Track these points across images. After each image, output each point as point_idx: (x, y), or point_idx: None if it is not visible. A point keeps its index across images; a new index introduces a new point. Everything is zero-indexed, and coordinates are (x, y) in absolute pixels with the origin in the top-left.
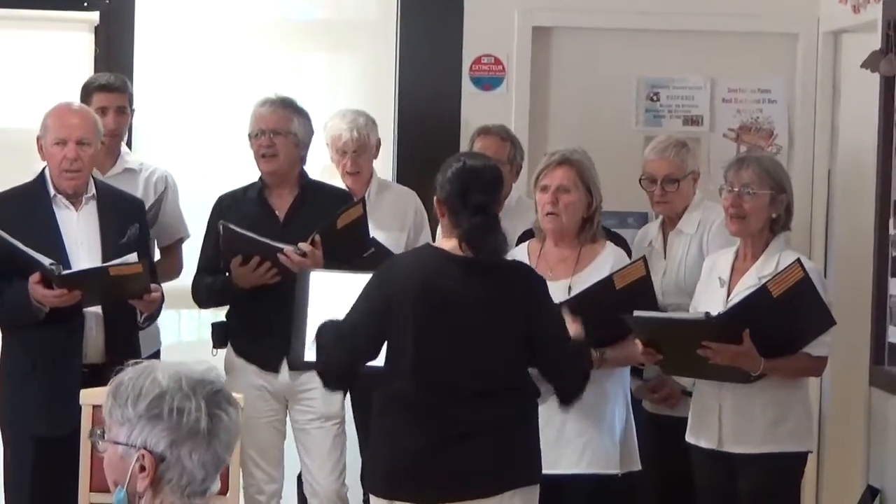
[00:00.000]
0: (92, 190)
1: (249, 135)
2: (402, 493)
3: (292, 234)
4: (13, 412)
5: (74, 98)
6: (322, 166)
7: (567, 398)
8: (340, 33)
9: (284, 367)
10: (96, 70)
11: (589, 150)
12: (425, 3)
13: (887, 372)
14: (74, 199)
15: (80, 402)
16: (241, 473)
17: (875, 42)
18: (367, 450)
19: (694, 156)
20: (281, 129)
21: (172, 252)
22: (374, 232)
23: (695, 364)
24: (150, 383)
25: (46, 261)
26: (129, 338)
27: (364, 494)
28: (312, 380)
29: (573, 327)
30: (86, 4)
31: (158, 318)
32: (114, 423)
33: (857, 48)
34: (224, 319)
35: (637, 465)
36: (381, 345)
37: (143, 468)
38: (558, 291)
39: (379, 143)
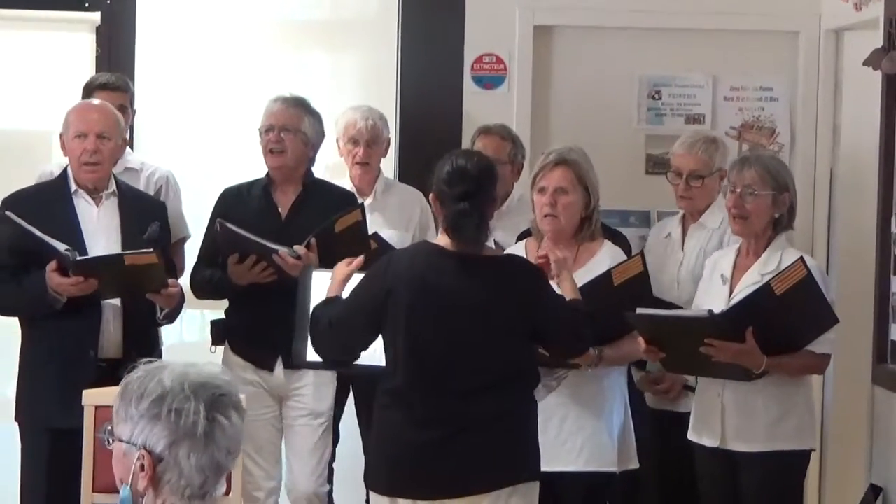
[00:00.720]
0: (113, 187)
1: (259, 130)
2: (402, 490)
3: (293, 231)
4: (29, 403)
5: (76, 98)
6: (325, 165)
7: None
8: (342, 33)
9: (279, 365)
10: (98, 70)
11: (590, 148)
12: (426, 2)
13: (890, 370)
14: (95, 194)
15: (83, 402)
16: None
17: (877, 40)
18: (368, 447)
19: (723, 154)
20: (290, 126)
21: (174, 252)
22: (380, 230)
23: (697, 362)
24: (154, 383)
25: (62, 246)
26: (147, 333)
27: (366, 494)
28: (306, 377)
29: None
30: (87, 5)
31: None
32: (119, 420)
33: (859, 46)
34: (223, 317)
35: (635, 464)
36: (373, 337)
37: (143, 467)
38: (555, 289)
39: (389, 142)
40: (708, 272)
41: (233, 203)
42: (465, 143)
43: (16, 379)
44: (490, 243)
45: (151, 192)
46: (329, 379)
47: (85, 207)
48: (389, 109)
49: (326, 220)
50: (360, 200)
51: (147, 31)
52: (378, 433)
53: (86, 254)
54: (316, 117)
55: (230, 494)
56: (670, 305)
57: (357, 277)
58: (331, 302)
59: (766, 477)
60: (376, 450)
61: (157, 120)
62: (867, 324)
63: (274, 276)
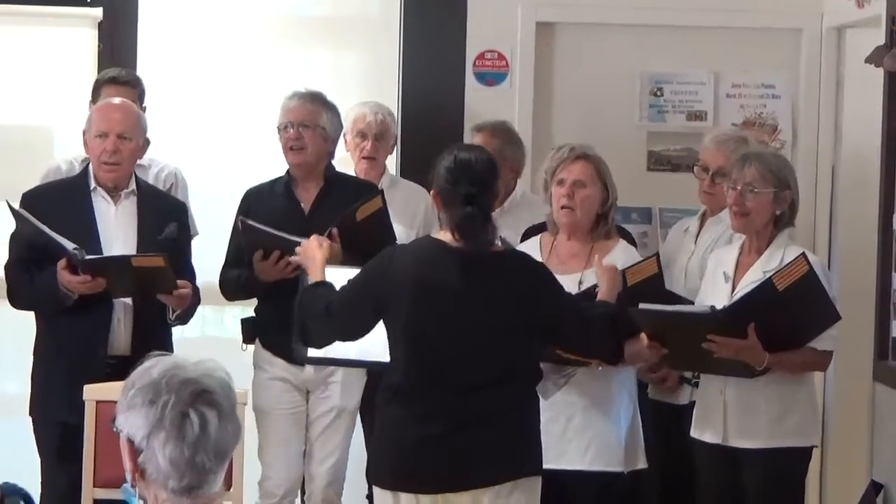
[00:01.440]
0: (132, 186)
1: (278, 127)
2: (405, 485)
3: (317, 225)
4: (41, 397)
5: (78, 94)
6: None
7: (611, 357)
8: (344, 29)
9: None
10: (100, 67)
11: (593, 145)
12: None
13: (891, 367)
14: (114, 193)
15: (84, 397)
16: (243, 469)
17: (879, 37)
18: (371, 442)
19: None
20: (309, 122)
21: None
22: None
23: (700, 358)
24: (144, 375)
25: (70, 245)
26: (157, 332)
27: (368, 489)
28: (336, 373)
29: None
30: (89, 1)
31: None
32: (117, 410)
33: (861, 43)
34: (253, 315)
35: (643, 464)
36: (367, 328)
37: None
38: (569, 285)
39: (396, 140)
40: (710, 269)
41: (255, 202)
42: (467, 140)
43: (19, 375)
44: (496, 240)
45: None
46: (358, 376)
47: (103, 206)
48: (391, 106)
49: (344, 212)
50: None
51: (149, 28)
52: (380, 428)
53: (100, 252)
54: (333, 111)
55: (231, 490)
56: (681, 299)
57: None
58: (321, 286)
59: (768, 474)
60: (379, 445)
61: (158, 116)
62: (868, 321)
63: (297, 272)
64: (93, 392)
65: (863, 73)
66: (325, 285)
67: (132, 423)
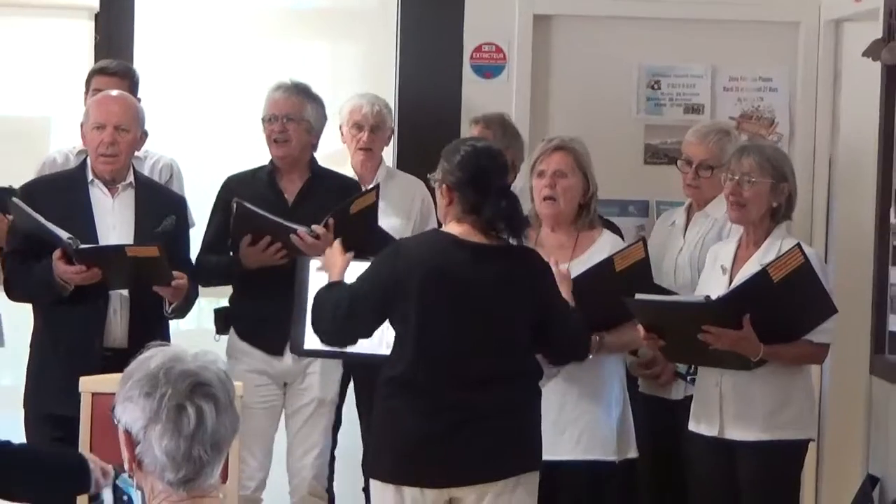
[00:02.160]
0: (130, 178)
1: (263, 119)
2: (408, 479)
3: (300, 218)
4: (35, 388)
5: (75, 85)
6: (325, 154)
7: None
8: (341, 21)
9: (287, 350)
10: (97, 58)
11: (589, 138)
12: None
13: (888, 361)
14: (111, 185)
15: (80, 388)
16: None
17: (876, 30)
18: (369, 435)
19: (735, 146)
20: (294, 115)
21: None
22: (381, 218)
23: (696, 350)
24: (142, 366)
25: (65, 235)
26: (153, 324)
27: (364, 481)
28: (314, 364)
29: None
30: None
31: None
32: (116, 401)
33: (859, 37)
34: (227, 305)
35: (634, 453)
36: (377, 325)
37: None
38: None
39: (392, 132)
40: (709, 263)
41: (238, 190)
42: (465, 133)
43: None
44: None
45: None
46: (335, 366)
47: (100, 198)
48: (388, 98)
49: (334, 205)
50: (363, 188)
51: (146, 19)
52: (382, 421)
53: (96, 244)
54: (318, 102)
55: (227, 482)
56: (668, 292)
57: (359, 265)
58: (334, 287)
59: (764, 466)
60: (380, 438)
61: (155, 108)
62: (865, 314)
63: (286, 259)
64: (89, 384)
65: (860, 67)
66: (339, 286)
67: (130, 414)
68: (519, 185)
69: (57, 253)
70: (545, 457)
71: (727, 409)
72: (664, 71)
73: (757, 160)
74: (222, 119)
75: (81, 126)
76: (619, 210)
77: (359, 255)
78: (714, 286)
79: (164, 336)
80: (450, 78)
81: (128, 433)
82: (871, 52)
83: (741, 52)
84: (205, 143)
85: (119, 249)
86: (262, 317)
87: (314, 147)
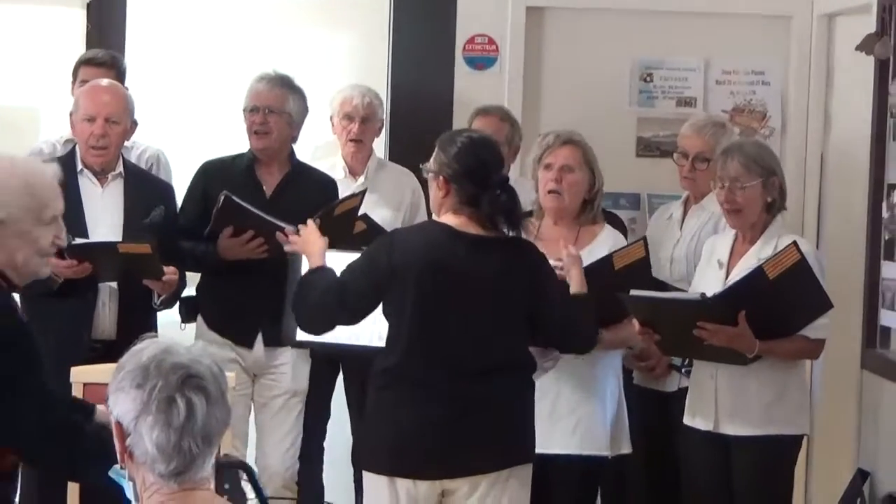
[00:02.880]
0: (120, 168)
1: (244, 109)
2: (404, 471)
3: (277, 211)
4: None
5: (67, 75)
6: (315, 145)
7: (586, 345)
8: (334, 12)
9: (259, 341)
10: (89, 47)
11: (581, 130)
12: None
13: (879, 355)
14: (101, 175)
15: (72, 379)
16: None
17: (870, 25)
18: (362, 427)
19: (731, 138)
20: (276, 107)
21: None
22: (372, 210)
23: (692, 345)
24: (134, 357)
25: None
26: (142, 316)
27: (355, 473)
28: (284, 355)
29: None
30: None
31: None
32: (108, 390)
33: (852, 31)
34: (193, 294)
35: (628, 448)
36: (368, 310)
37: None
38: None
39: (382, 124)
40: (705, 257)
41: (215, 177)
42: (457, 124)
43: None
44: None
45: None
46: (305, 359)
47: (89, 187)
48: (380, 89)
49: (312, 200)
50: (353, 181)
51: (138, 8)
52: (375, 413)
53: (86, 234)
54: (300, 94)
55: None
56: (667, 286)
57: (345, 256)
58: (318, 272)
59: (759, 461)
60: (374, 430)
61: (146, 97)
62: (856, 309)
63: (268, 254)
64: (80, 374)
65: (853, 61)
66: (324, 270)
67: (121, 406)
68: (513, 177)
69: None
70: (539, 450)
71: (722, 403)
72: (657, 64)
73: (742, 162)
74: (214, 109)
75: (71, 116)
76: (611, 203)
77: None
78: (710, 280)
79: (153, 327)
80: (442, 69)
81: (119, 424)
82: (865, 46)
83: (734, 46)
84: (197, 134)
85: (111, 246)
86: (232, 308)
87: (294, 139)
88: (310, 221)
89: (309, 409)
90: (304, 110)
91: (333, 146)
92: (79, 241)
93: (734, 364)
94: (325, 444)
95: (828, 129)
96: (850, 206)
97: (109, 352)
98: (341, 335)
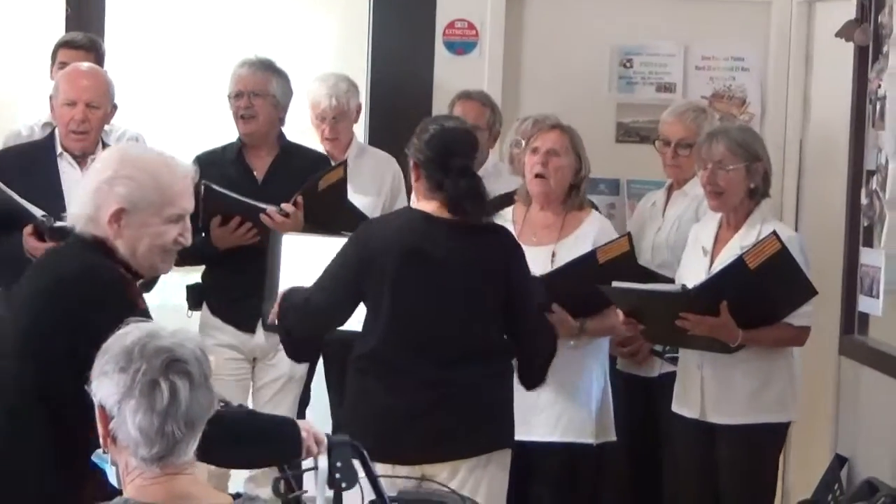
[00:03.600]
0: (99, 151)
1: (228, 95)
2: (382, 455)
3: (270, 194)
4: None
5: (45, 59)
6: (300, 130)
7: (532, 377)
8: None
9: (260, 327)
10: (67, 30)
11: (561, 116)
12: None
13: (857, 341)
14: (81, 158)
15: None
16: None
17: (850, 11)
18: (339, 411)
19: (712, 124)
20: (260, 90)
21: None
22: (352, 196)
23: (676, 334)
24: (118, 341)
25: (38, 212)
26: None
27: None
28: None
29: (554, 318)
30: None
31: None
32: (92, 374)
33: (832, 17)
34: (199, 281)
35: (612, 436)
36: (351, 311)
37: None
38: (542, 257)
39: (359, 109)
40: (690, 244)
41: (207, 169)
42: (437, 109)
43: None
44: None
45: None
46: None
47: (69, 171)
48: (360, 74)
49: (304, 180)
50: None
51: None
52: (354, 398)
53: (64, 217)
54: (283, 77)
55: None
56: (653, 274)
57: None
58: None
59: (744, 448)
60: (352, 415)
61: (126, 81)
62: (835, 295)
63: (258, 238)
64: None
65: (832, 47)
66: (293, 293)
67: (104, 390)
68: (492, 162)
69: (28, 229)
70: (523, 437)
71: (708, 391)
72: (636, 49)
73: (727, 145)
74: (193, 93)
75: (51, 99)
76: (590, 188)
77: (330, 232)
78: (695, 267)
79: None
80: (422, 54)
81: (102, 408)
82: (844, 32)
83: (713, 32)
84: (177, 117)
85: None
86: (235, 294)
87: (282, 121)
88: (286, 206)
89: None
90: (289, 92)
91: (312, 134)
92: (58, 223)
93: (718, 352)
94: None
95: (807, 116)
96: (829, 193)
97: None
98: None
